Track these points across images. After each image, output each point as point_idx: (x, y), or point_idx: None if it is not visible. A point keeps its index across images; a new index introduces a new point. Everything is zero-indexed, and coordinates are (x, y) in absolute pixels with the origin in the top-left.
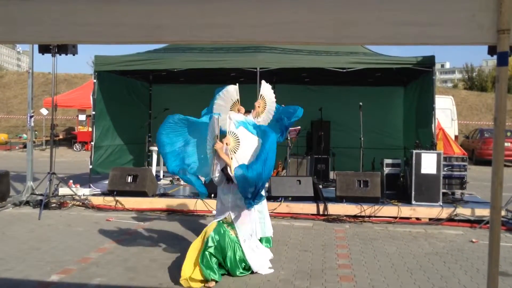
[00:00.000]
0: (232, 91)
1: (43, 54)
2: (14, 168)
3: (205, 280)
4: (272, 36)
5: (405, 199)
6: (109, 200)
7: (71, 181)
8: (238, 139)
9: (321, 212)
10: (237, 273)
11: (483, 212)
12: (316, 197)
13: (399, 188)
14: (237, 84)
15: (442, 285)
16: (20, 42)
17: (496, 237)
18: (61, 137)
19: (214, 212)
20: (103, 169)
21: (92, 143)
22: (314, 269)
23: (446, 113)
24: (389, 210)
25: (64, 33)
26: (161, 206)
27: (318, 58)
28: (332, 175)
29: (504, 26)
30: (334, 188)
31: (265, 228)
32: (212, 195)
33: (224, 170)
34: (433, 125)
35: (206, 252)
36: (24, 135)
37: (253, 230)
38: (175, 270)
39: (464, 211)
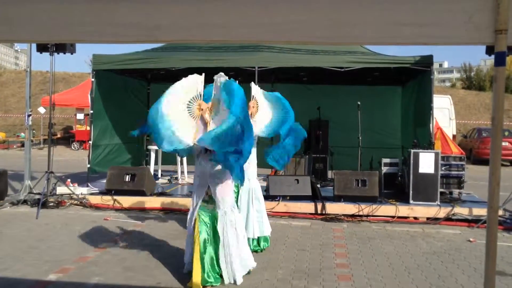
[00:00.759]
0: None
1: (41, 52)
2: (12, 167)
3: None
4: (270, 36)
5: (403, 199)
6: (107, 199)
7: (69, 180)
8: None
9: (319, 211)
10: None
11: (481, 211)
12: (314, 196)
13: (397, 188)
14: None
15: (440, 284)
16: (18, 41)
17: (493, 237)
18: (59, 136)
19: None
20: (101, 168)
21: (90, 142)
22: (312, 268)
23: (444, 113)
24: (387, 210)
25: (62, 32)
26: (159, 205)
27: (317, 57)
28: (330, 174)
29: (502, 26)
30: (332, 187)
31: (263, 227)
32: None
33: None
34: (431, 125)
35: (204, 261)
36: (22, 134)
37: (234, 202)
38: (173, 269)
39: (461, 211)
